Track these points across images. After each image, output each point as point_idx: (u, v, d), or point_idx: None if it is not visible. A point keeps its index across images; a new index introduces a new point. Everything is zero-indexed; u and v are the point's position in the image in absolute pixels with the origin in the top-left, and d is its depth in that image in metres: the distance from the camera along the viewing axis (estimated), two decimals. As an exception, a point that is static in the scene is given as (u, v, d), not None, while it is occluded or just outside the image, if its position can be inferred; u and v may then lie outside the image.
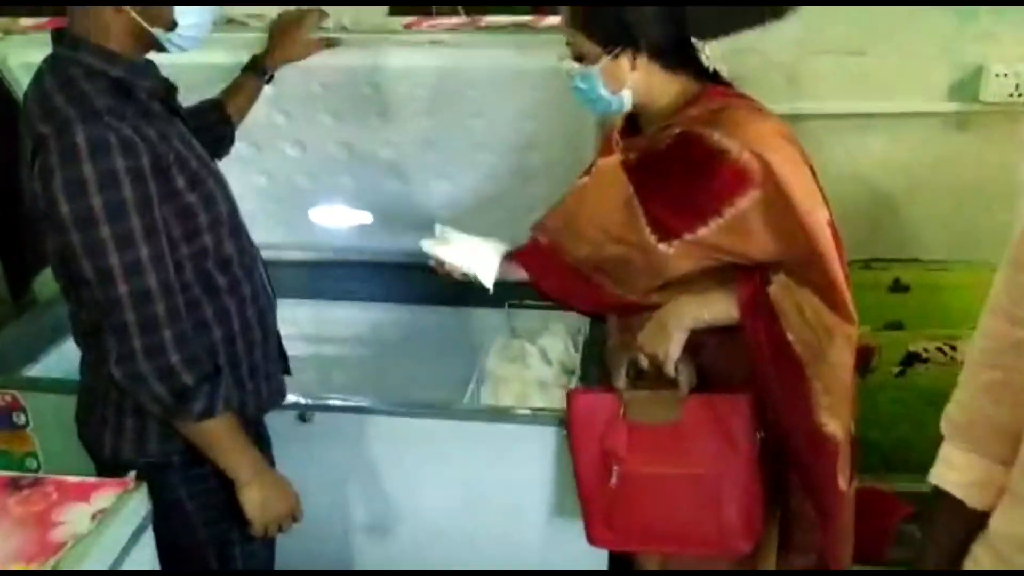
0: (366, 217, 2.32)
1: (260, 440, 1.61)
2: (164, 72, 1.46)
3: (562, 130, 1.95)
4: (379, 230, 2.31)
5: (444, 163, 2.11)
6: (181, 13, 1.38)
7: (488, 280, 1.64)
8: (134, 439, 1.48)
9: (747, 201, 1.41)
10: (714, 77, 1.51)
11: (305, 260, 2.44)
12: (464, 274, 1.64)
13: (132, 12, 1.34)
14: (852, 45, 1.98)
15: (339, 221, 2.33)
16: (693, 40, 1.48)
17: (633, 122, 1.59)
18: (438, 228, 1.66)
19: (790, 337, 1.50)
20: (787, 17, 1.96)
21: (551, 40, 1.63)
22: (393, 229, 2.28)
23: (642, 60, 1.43)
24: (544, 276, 1.65)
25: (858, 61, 1.98)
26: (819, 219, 1.45)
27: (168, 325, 1.34)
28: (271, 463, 1.59)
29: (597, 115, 1.69)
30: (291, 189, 2.27)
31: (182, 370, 1.36)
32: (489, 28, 1.83)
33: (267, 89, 1.92)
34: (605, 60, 1.43)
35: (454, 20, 1.89)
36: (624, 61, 1.43)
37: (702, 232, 1.45)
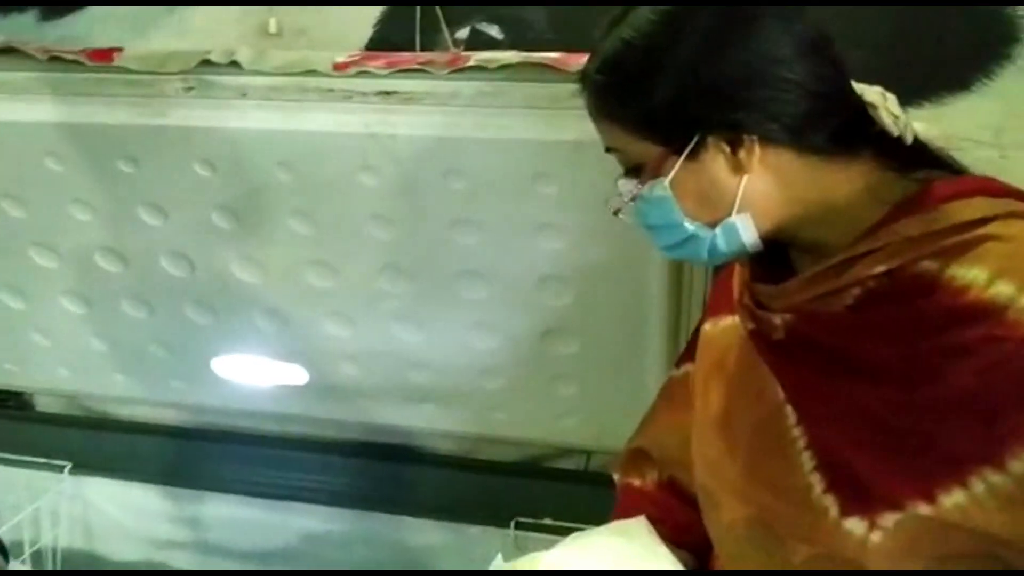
0: (297, 374, 1.56)
1: None
2: None
3: (607, 247, 1.19)
4: (317, 394, 1.57)
5: (412, 298, 1.37)
6: None
7: None
8: None
9: None
10: (927, 157, 0.81)
11: (207, 428, 1.70)
12: None
13: None
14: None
15: (255, 377, 1.58)
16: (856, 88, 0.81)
17: (778, 249, 0.84)
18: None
19: None
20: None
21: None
22: (338, 393, 1.55)
23: (753, 150, 0.75)
24: (677, 530, 1.01)
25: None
26: None
27: None
28: None
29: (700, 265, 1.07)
30: (180, 325, 1.52)
31: None
32: (483, 70, 1.09)
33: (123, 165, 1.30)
34: (677, 165, 0.76)
35: (422, 58, 1.13)
36: (716, 159, 0.76)
37: (952, 501, 0.71)
